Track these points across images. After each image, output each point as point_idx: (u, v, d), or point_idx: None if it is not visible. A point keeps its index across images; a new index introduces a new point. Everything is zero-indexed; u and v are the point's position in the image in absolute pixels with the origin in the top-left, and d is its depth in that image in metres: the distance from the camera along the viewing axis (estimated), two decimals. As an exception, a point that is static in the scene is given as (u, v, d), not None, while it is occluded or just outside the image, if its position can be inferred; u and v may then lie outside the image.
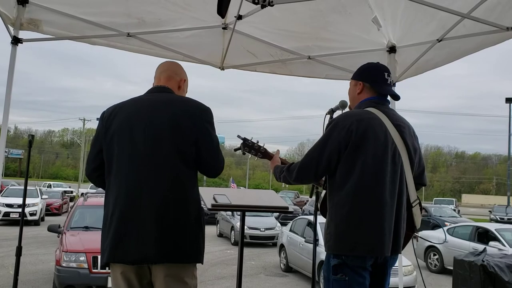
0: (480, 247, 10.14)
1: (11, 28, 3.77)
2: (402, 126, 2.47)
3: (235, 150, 3.03)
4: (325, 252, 2.44)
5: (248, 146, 2.95)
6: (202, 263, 2.37)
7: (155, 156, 2.29)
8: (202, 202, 2.59)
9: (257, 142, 2.99)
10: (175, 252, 2.24)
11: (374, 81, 2.55)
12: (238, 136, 2.81)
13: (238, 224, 15.35)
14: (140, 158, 2.30)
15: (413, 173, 2.48)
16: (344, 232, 2.30)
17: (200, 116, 2.38)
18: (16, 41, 3.76)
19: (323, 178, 2.63)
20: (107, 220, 2.32)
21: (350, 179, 2.32)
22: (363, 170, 2.30)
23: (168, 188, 2.27)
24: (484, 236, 12.09)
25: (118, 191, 2.30)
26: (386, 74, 2.57)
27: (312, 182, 2.71)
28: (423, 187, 2.89)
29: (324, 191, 2.71)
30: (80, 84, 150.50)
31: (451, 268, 8.36)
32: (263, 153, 2.97)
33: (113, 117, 2.40)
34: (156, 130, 2.32)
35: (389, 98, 2.61)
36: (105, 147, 2.39)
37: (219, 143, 2.49)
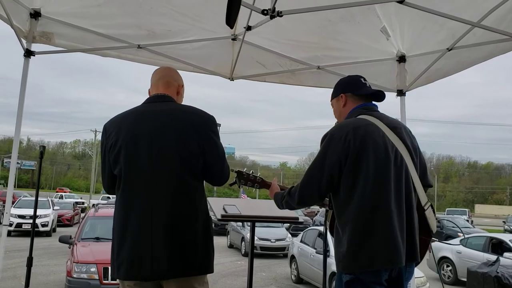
0: (494, 258, 9.96)
1: (23, 41, 3.83)
2: (398, 128, 2.38)
3: (231, 185, 2.91)
4: (336, 270, 2.31)
5: (244, 178, 2.87)
6: (213, 272, 2.38)
7: (162, 170, 2.26)
8: (211, 213, 2.58)
9: (252, 172, 2.91)
10: (187, 267, 2.25)
11: (353, 87, 2.51)
12: (232, 170, 2.71)
13: (248, 235, 15.28)
14: (147, 173, 2.26)
15: (418, 174, 2.38)
16: (356, 250, 2.19)
17: (204, 126, 2.35)
18: (28, 53, 3.82)
19: (327, 199, 2.52)
20: (119, 237, 2.29)
21: (355, 193, 2.21)
22: (366, 181, 2.20)
23: (177, 203, 2.25)
24: (498, 247, 11.91)
25: (129, 209, 2.28)
26: (362, 79, 2.55)
27: (316, 202, 2.54)
28: (435, 196, 2.83)
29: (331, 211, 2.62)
30: (91, 95, 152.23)
31: (465, 279, 8.24)
32: (260, 183, 2.89)
33: (115, 130, 2.35)
34: (161, 143, 2.28)
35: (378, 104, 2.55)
36: (111, 162, 2.35)
37: (224, 151, 2.45)
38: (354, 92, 2.50)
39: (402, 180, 2.27)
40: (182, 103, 2.55)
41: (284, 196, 2.49)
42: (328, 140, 2.31)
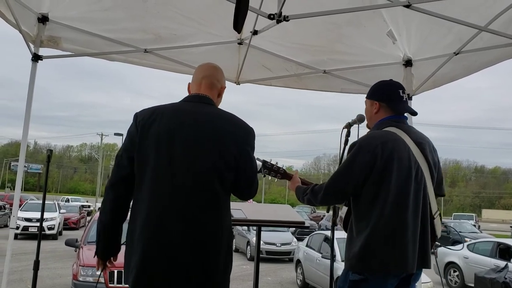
0: (502, 263, 9.88)
1: (31, 46, 3.85)
2: (423, 144, 2.49)
3: None
4: (344, 267, 2.42)
5: (268, 168, 2.97)
6: None
7: (193, 176, 2.11)
8: None
9: (276, 163, 3.01)
10: (205, 283, 2.10)
11: (390, 99, 2.56)
12: (257, 159, 2.79)
13: (254, 239, 15.26)
14: (177, 177, 2.11)
15: (433, 186, 2.50)
16: (369, 253, 2.31)
17: (242, 139, 2.24)
18: (36, 58, 3.85)
19: None
20: (134, 238, 2.12)
21: (376, 202, 2.33)
22: (388, 193, 2.32)
23: (204, 213, 2.11)
24: (506, 252, 11.81)
25: (149, 210, 2.10)
26: (401, 91, 2.58)
27: (338, 204, 2.71)
28: (442, 201, 2.87)
29: (343, 207, 2.68)
30: (98, 99, 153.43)
31: (472, 285, 8.18)
32: (282, 174, 2.99)
33: (151, 124, 2.17)
34: (196, 149, 2.14)
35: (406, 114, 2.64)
36: (138, 156, 2.16)
37: (257, 167, 2.36)
38: (389, 104, 2.57)
39: (420, 195, 2.41)
40: (220, 107, 2.42)
41: (307, 193, 2.60)
42: (357, 149, 2.41)
